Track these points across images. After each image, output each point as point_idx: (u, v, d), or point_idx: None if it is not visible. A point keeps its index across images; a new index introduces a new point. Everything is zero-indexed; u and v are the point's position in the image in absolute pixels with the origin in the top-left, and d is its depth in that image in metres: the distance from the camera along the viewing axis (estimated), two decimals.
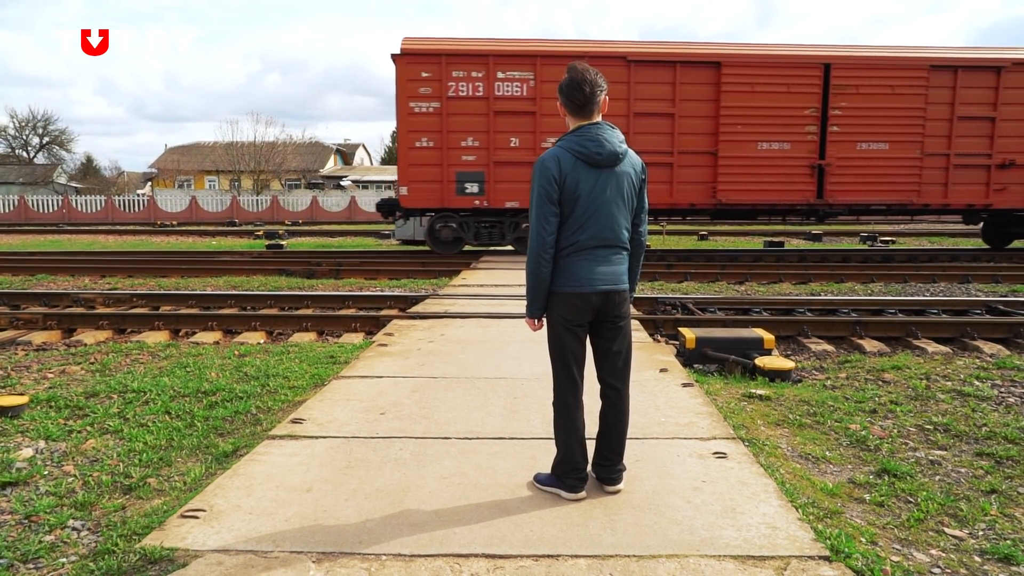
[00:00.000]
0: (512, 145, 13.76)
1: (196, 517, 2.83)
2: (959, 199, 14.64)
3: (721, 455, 3.49)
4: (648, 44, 14.33)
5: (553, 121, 13.56)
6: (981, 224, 16.69)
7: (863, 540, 2.89)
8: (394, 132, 74.10)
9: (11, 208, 38.44)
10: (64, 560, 2.75)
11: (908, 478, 3.61)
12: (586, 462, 3.07)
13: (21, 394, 4.87)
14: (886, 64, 14.05)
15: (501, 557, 2.53)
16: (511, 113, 13.71)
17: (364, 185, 51.82)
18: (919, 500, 3.35)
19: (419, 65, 13.67)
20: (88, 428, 4.32)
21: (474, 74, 13.61)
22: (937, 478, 3.65)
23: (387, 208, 15.56)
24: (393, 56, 13.67)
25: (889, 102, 14.08)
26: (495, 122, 13.70)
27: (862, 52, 14.27)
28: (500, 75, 13.62)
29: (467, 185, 13.88)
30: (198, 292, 10.16)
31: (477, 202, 13.98)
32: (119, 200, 40.45)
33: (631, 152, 3.00)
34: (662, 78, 13.74)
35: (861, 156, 14.22)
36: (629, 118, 13.67)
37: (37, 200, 39.42)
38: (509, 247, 15.42)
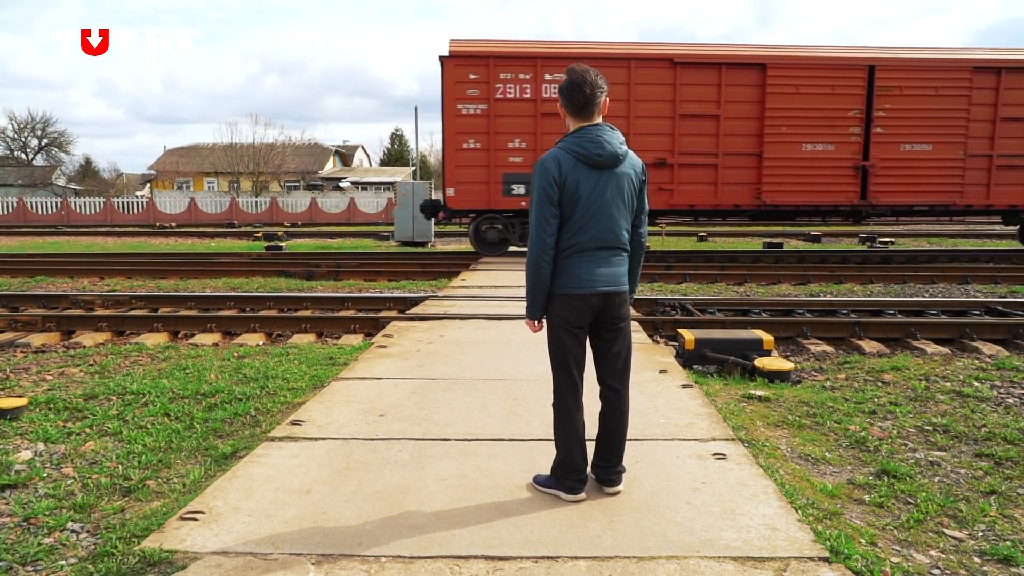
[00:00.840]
0: None
1: (195, 519, 2.83)
2: (1002, 200, 14.68)
3: (721, 456, 3.49)
4: (694, 46, 14.48)
5: None
6: (1019, 226, 16.70)
7: (863, 541, 2.89)
8: (393, 133, 74.16)
9: (10, 210, 38.40)
10: (63, 563, 2.75)
11: (907, 479, 3.61)
12: (585, 463, 3.07)
13: (20, 396, 4.86)
14: (930, 66, 14.13)
15: (501, 559, 2.53)
16: (558, 115, 13.73)
17: (363, 187, 51.84)
18: (918, 501, 3.35)
19: (467, 67, 13.75)
20: (87, 430, 4.31)
21: (522, 76, 13.70)
22: (936, 479, 3.65)
23: (431, 209, 15.61)
24: (441, 58, 13.77)
25: (932, 103, 14.16)
26: (542, 123, 13.79)
27: (906, 54, 14.38)
28: (547, 77, 13.70)
29: (514, 186, 13.99)
30: (197, 294, 10.16)
31: (524, 203, 14.07)
32: (118, 202, 40.43)
33: (631, 153, 3.01)
34: (708, 80, 13.83)
35: (904, 157, 14.30)
36: (675, 119, 13.79)
37: (36, 202, 39.39)
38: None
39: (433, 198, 16.78)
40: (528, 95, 13.73)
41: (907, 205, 14.66)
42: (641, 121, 13.64)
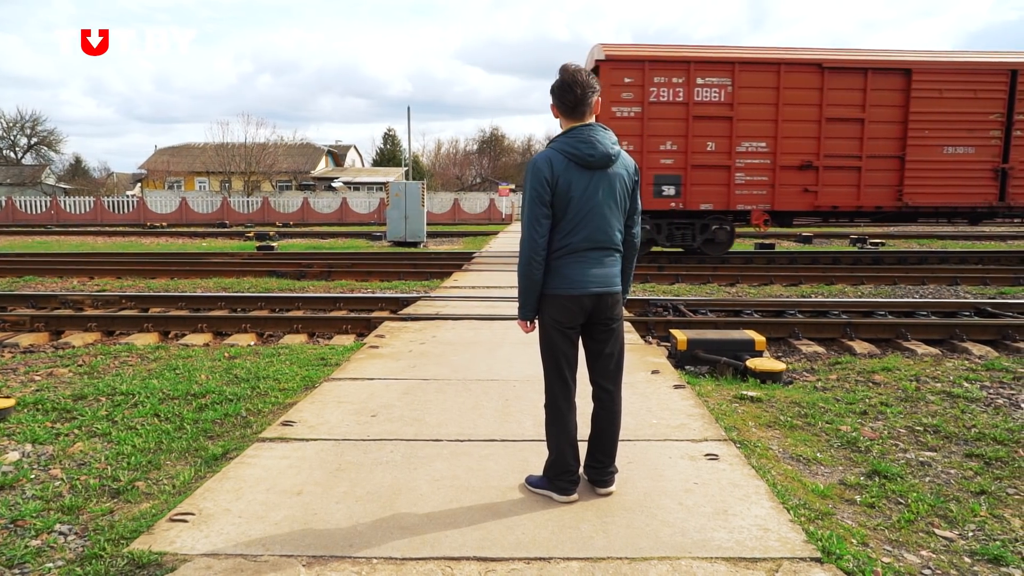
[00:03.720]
0: (708, 149, 14.03)
1: (185, 521, 2.81)
2: None
3: (713, 457, 3.49)
4: (841, 51, 14.61)
5: (749, 126, 13.93)
6: None
7: (854, 541, 2.90)
8: (386, 133, 73.95)
9: None
10: (50, 565, 2.72)
11: (898, 479, 3.62)
12: (578, 464, 3.06)
13: (8, 397, 4.81)
14: None
15: (493, 560, 2.52)
16: (708, 118, 13.95)
17: (355, 187, 51.72)
18: (909, 501, 3.36)
19: (622, 71, 13.88)
20: (76, 431, 4.28)
21: (674, 80, 13.84)
22: (927, 479, 3.67)
23: None
24: (598, 62, 13.96)
25: None
26: (694, 126, 13.94)
27: None
28: (699, 81, 13.84)
29: (664, 188, 14.12)
30: (188, 294, 10.11)
31: (673, 204, 14.21)
32: (108, 201, 40.19)
33: (624, 154, 3.00)
34: (853, 84, 14.01)
35: None
36: (821, 123, 13.97)
37: (25, 201, 39.09)
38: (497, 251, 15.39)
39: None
40: (680, 98, 13.87)
41: None
42: (788, 124, 13.88)
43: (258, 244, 20.24)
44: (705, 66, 13.83)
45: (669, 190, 14.11)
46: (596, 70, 14.04)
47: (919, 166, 14.27)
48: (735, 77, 13.78)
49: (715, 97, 13.86)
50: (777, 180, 14.05)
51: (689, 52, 14.16)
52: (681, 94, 13.84)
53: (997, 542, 2.97)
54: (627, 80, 13.84)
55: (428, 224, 23.83)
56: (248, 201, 40.50)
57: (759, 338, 6.08)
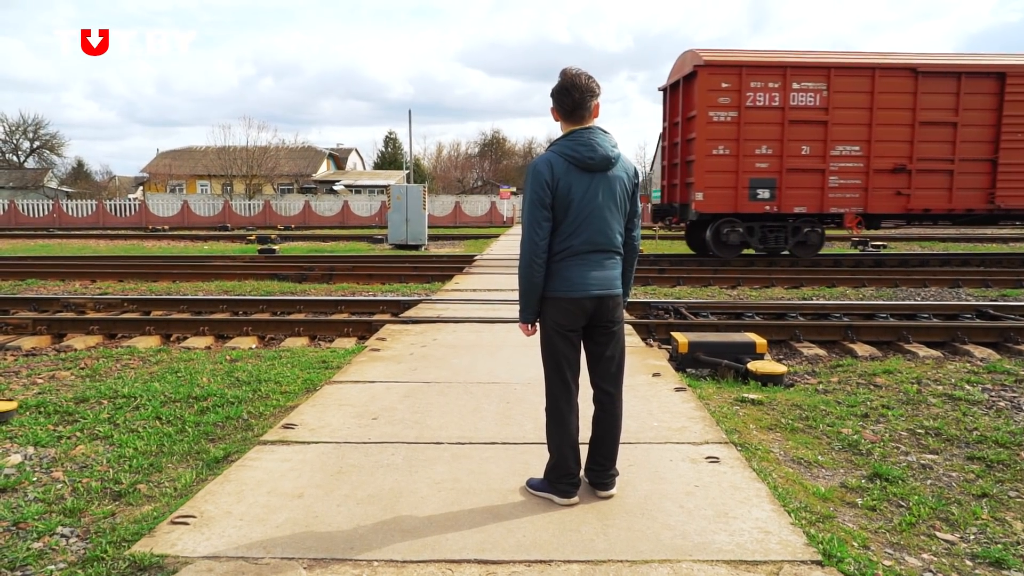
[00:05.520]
0: (803, 153, 14.15)
1: (186, 523, 2.81)
2: None
3: (714, 460, 3.49)
4: (935, 56, 14.74)
5: (844, 130, 14.05)
6: None
7: (855, 544, 2.90)
8: (387, 136, 73.99)
9: (1, 212, 38.19)
10: (52, 567, 2.72)
11: (900, 482, 3.62)
12: (579, 467, 3.06)
13: (10, 400, 4.82)
14: None
15: (494, 563, 2.52)
16: (803, 122, 14.06)
17: (357, 190, 51.79)
18: (911, 504, 3.36)
19: (719, 76, 14.04)
20: (78, 434, 4.29)
21: (770, 85, 13.99)
22: (928, 482, 3.66)
23: (662, 213, 16.05)
24: (696, 67, 14.15)
25: None
26: (789, 131, 14.04)
27: None
28: (795, 86, 13.99)
29: (759, 191, 14.26)
30: (189, 297, 10.13)
31: (768, 207, 14.32)
32: (110, 204, 40.30)
33: (624, 157, 3.00)
34: (947, 88, 14.12)
35: None
36: (914, 127, 14.06)
37: (27, 204, 39.21)
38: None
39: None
40: (776, 103, 13.98)
41: None
42: (882, 128, 14.00)
43: (260, 247, 20.27)
44: (801, 71, 13.97)
45: (764, 193, 14.24)
46: (693, 75, 14.22)
47: (1012, 169, 14.38)
48: (830, 82, 13.90)
49: (810, 102, 14.00)
50: (870, 183, 14.13)
51: (785, 57, 14.29)
52: (777, 99, 13.97)
53: (999, 545, 2.97)
54: (724, 85, 13.99)
55: (429, 227, 23.85)
56: (250, 204, 40.57)
57: (760, 341, 6.08)
